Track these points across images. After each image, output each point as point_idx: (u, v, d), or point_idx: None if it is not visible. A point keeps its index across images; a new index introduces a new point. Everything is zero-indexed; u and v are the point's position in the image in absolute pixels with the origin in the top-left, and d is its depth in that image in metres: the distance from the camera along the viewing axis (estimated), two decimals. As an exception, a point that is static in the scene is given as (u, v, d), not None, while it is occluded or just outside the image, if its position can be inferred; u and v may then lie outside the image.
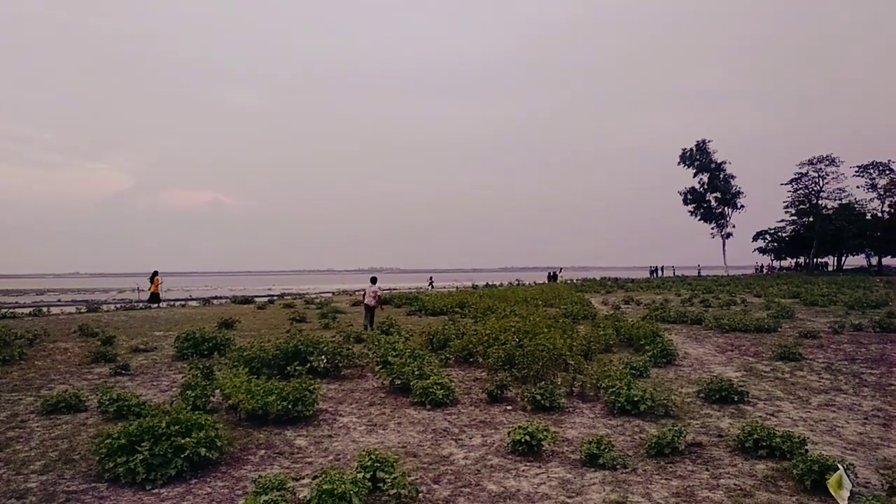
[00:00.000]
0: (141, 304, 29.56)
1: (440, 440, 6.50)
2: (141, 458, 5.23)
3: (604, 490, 5.01)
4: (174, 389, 8.69)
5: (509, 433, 6.16)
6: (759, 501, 4.76)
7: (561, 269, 70.47)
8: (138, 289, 47.65)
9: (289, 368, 8.66)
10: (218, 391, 7.74)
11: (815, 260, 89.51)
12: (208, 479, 5.32)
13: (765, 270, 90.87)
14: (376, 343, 10.63)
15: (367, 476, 4.87)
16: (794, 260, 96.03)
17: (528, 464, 5.71)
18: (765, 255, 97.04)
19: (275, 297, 34.84)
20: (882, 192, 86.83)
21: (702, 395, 8.23)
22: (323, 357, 9.74)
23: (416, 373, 8.54)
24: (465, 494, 4.96)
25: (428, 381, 8.08)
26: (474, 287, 42.59)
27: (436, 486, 5.14)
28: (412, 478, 5.23)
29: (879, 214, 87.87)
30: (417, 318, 19.73)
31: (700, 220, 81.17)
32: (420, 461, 5.80)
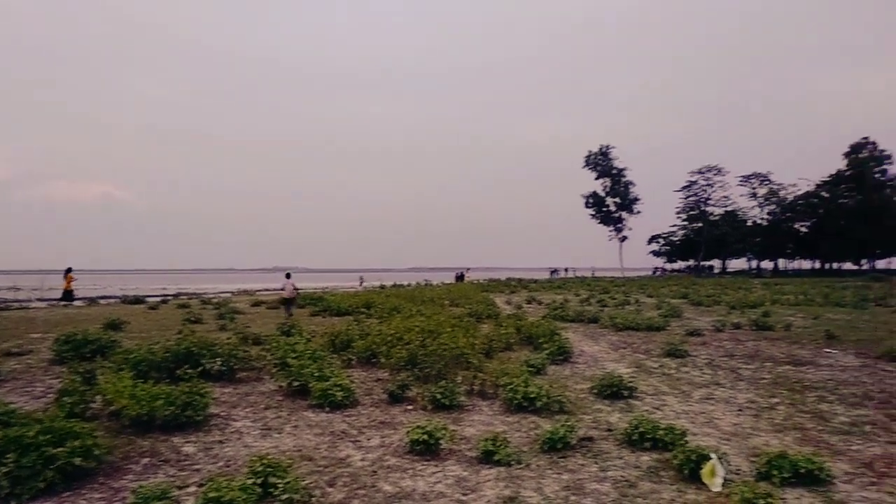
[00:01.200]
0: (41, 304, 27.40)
1: (338, 442, 6.39)
2: (6, 470, 4.79)
3: (498, 486, 5.10)
4: (50, 396, 8.05)
5: (408, 433, 6.15)
6: (642, 491, 5.00)
7: (468, 269, 71.54)
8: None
9: (178, 372, 8.24)
10: (99, 397, 7.23)
11: (702, 263, 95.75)
12: (83, 492, 4.96)
13: (658, 272, 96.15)
14: (275, 345, 10.31)
15: (258, 482, 4.71)
16: (685, 262, 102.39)
17: (426, 463, 5.72)
18: (658, 258, 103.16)
19: (169, 297, 33.12)
20: (762, 201, 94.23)
21: (594, 391, 8.58)
22: (217, 359, 9.34)
23: (316, 374, 8.36)
24: (360, 496, 4.90)
25: (327, 383, 7.93)
26: (382, 287, 42.37)
27: (330, 490, 5.05)
28: (306, 482, 5.11)
29: (759, 221, 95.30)
30: (321, 319, 19.37)
31: (600, 223, 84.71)
32: (316, 464, 5.67)
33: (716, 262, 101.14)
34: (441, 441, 6.00)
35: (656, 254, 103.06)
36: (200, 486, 4.95)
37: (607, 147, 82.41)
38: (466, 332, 11.72)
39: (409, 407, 7.91)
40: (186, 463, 5.71)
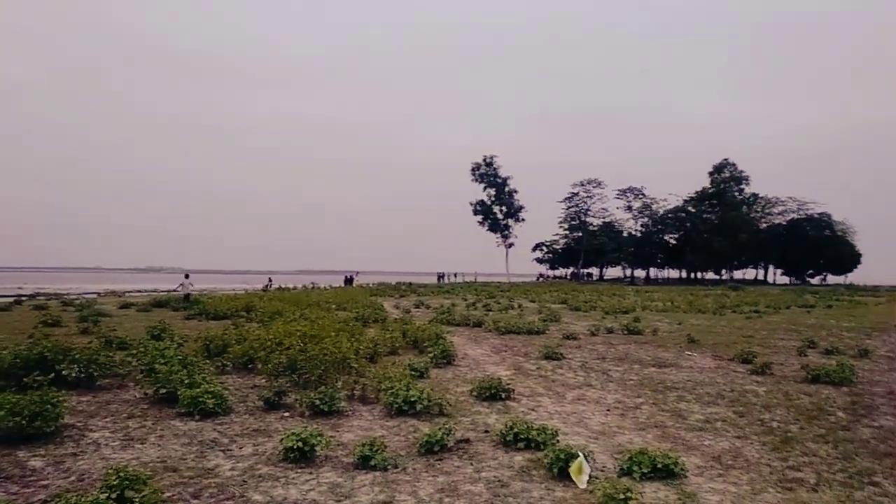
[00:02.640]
0: None
1: (206, 452, 6.06)
2: None
3: (373, 491, 5.05)
4: None
5: (281, 440, 5.95)
6: (513, 490, 5.13)
7: (357, 272, 70.82)
8: None
9: (26, 379, 7.49)
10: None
11: (582, 270, 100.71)
12: None
13: (541, 279, 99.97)
14: (142, 350, 9.64)
15: (113, 496, 4.36)
16: (566, 269, 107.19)
17: (300, 470, 5.55)
18: (542, 265, 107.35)
19: (24, 298, 30.15)
20: (636, 214, 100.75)
21: (474, 393, 8.73)
22: (75, 366, 8.60)
23: (186, 381, 7.90)
24: (227, 508, 4.67)
25: (198, 390, 7.51)
26: (265, 289, 40.94)
27: (195, 502, 4.78)
28: (168, 494, 4.81)
29: (634, 232, 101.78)
30: (196, 323, 18.38)
31: (488, 230, 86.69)
32: (181, 476, 5.35)
33: (594, 270, 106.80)
34: (317, 448, 5.85)
35: (540, 261, 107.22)
36: (46, 503, 4.52)
37: (492, 157, 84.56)
38: (351, 337, 11.57)
39: (286, 414, 7.67)
40: (32, 479, 5.19)
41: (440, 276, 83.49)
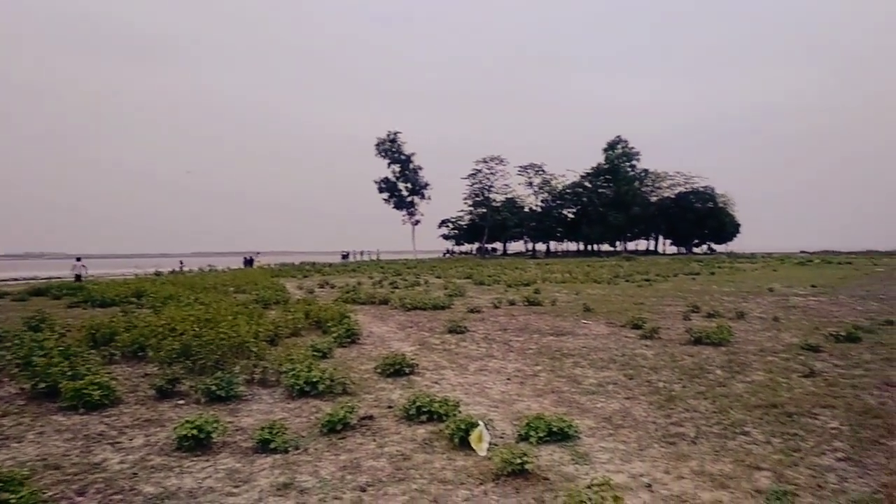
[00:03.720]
0: None
1: (93, 446, 5.72)
2: None
3: (273, 474, 4.96)
4: None
5: (175, 429, 5.71)
6: (415, 463, 5.20)
7: (258, 253, 68.63)
8: None
9: None
10: None
11: (486, 245, 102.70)
12: None
13: (447, 255, 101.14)
14: (17, 342, 8.91)
15: (-17, 501, 4.04)
16: (471, 245, 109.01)
17: (195, 459, 5.36)
18: (448, 241, 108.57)
19: None
20: (537, 190, 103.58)
21: (378, 370, 8.75)
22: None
23: (68, 373, 7.39)
24: (116, 502, 4.44)
25: (82, 382, 7.06)
26: (157, 273, 38.83)
27: (80, 499, 4.51)
28: (50, 493, 4.51)
29: (535, 208, 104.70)
30: (81, 311, 17.19)
31: (394, 207, 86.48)
32: (63, 473, 5.02)
33: (498, 245, 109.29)
34: (213, 434, 5.67)
35: (446, 237, 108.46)
36: None
37: (395, 134, 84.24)
38: (250, 320, 11.24)
39: (181, 402, 7.36)
40: None
41: (344, 255, 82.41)
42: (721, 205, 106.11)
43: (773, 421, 6.30)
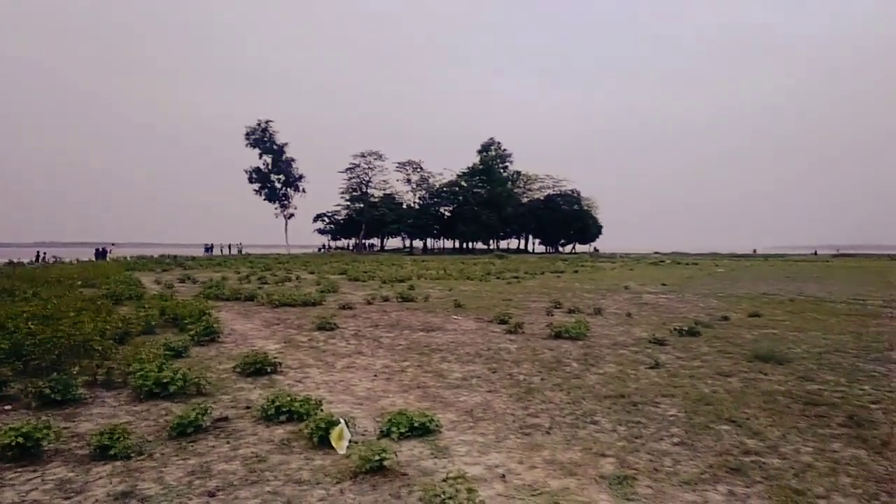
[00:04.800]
0: None
1: None
2: None
3: (111, 483, 4.57)
4: None
5: (-4, 438, 5.10)
6: (271, 464, 5.00)
7: (112, 245, 63.54)
8: None
9: None
10: None
11: (364, 241, 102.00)
12: None
13: (323, 250, 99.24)
14: None
15: None
16: (348, 240, 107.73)
17: (20, 470, 4.82)
18: (324, 236, 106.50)
19: None
20: (415, 187, 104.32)
21: (238, 369, 8.36)
22: None
23: None
24: (-88, 526, 3.88)
25: None
26: (12, 264, 34.76)
27: None
28: None
29: (412, 204, 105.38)
30: None
31: (265, 199, 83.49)
32: None
33: (376, 241, 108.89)
34: (43, 442, 5.13)
35: (322, 232, 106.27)
36: None
37: (267, 122, 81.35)
38: (97, 316, 10.33)
39: (8, 407, 6.61)
40: None
41: (208, 248, 78.15)
42: (586, 207, 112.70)
43: (620, 410, 6.72)
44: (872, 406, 6.87)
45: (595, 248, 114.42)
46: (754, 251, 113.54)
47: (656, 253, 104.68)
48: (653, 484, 4.69)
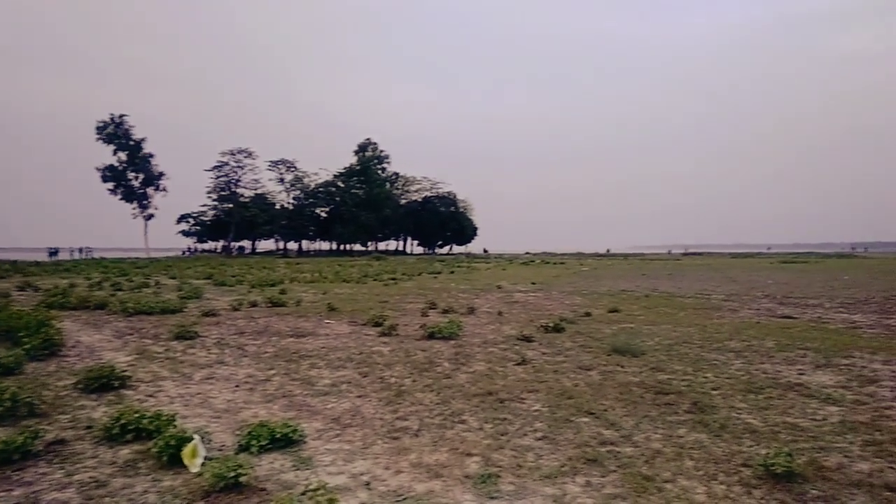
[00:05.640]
0: None
1: None
2: None
3: None
4: None
5: None
6: (112, 489, 4.54)
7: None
8: None
9: None
10: None
11: (233, 243, 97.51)
12: None
13: (188, 253, 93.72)
14: None
15: None
16: (217, 243, 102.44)
17: None
18: (189, 238, 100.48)
19: None
20: (289, 187, 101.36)
21: (80, 385, 7.57)
22: None
23: None
24: None
25: None
26: None
27: None
28: None
29: (286, 205, 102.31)
30: None
31: (121, 199, 77.63)
32: None
33: (247, 243, 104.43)
34: None
35: (187, 234, 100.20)
36: None
37: (121, 116, 75.67)
38: None
39: None
40: None
41: (52, 252, 71.03)
42: (462, 209, 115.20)
43: (487, 408, 6.82)
44: (713, 392, 7.47)
45: (485, 250, 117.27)
46: (608, 251, 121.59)
47: (527, 253, 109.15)
48: (516, 480, 4.77)
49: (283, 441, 5.48)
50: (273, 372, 8.77)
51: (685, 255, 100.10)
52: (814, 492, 4.49)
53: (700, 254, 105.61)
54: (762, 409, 6.75)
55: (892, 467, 4.95)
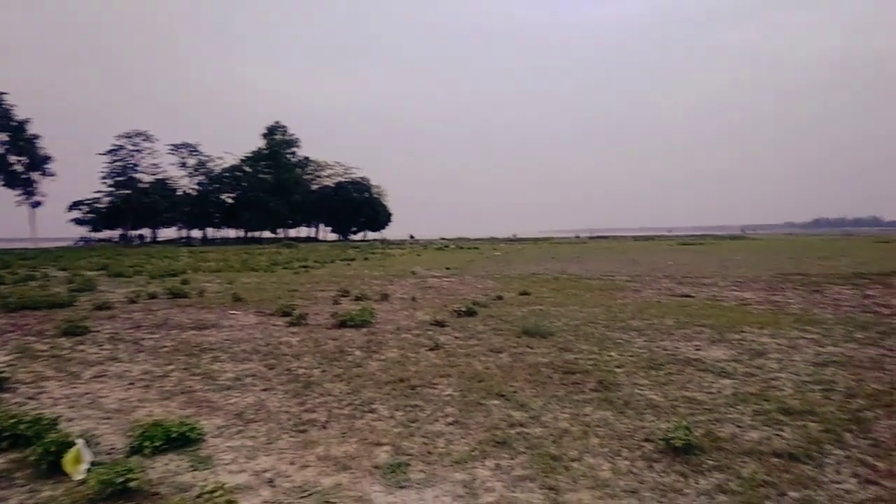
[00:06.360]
0: None
1: None
2: None
3: None
4: None
5: None
6: (-20, 506, 4.10)
7: None
8: None
9: None
10: None
11: (132, 232, 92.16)
12: None
13: (82, 243, 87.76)
14: None
15: None
16: (114, 232, 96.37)
17: None
18: (83, 227, 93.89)
19: None
20: (192, 171, 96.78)
21: (-53, 390, 6.85)
22: None
23: None
24: None
25: None
26: None
27: None
28: None
29: (189, 191, 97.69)
30: None
31: (3, 185, 71.61)
32: None
33: (147, 231, 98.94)
34: None
35: (80, 222, 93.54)
36: None
37: (1, 93, 69.52)
38: None
39: None
40: None
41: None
42: (376, 195, 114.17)
43: (399, 395, 6.72)
44: (618, 370, 7.72)
45: (411, 236, 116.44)
46: (514, 236, 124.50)
47: (442, 239, 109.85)
48: (426, 467, 4.69)
49: (180, 440, 5.14)
50: (171, 367, 8.27)
51: (592, 238, 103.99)
52: (710, 462, 4.69)
53: (606, 237, 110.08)
54: (663, 384, 7.02)
55: (778, 434, 5.27)
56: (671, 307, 13.55)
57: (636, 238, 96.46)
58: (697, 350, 8.90)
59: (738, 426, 5.51)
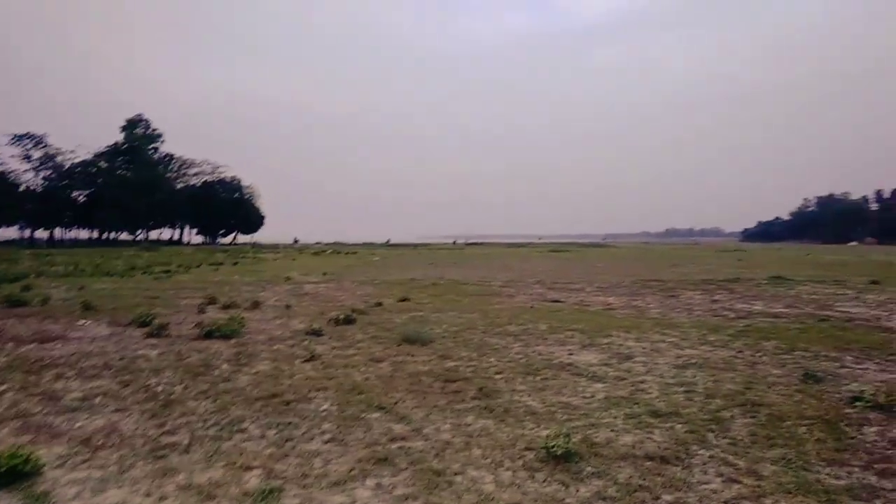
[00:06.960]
0: None
1: None
2: None
3: None
4: None
5: None
6: None
7: None
8: None
9: None
10: None
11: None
12: None
13: None
14: None
15: None
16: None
17: None
18: None
19: None
20: (37, 165, 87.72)
21: None
22: None
23: None
24: None
25: None
26: None
27: None
28: None
29: (34, 187, 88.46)
30: None
31: None
32: None
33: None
34: None
35: None
36: None
37: None
38: None
39: None
40: None
41: None
42: (247, 196, 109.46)
43: (271, 412, 6.29)
44: (497, 377, 7.76)
45: (295, 239, 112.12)
46: (388, 241, 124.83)
47: (318, 243, 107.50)
48: (301, 491, 4.37)
49: (10, 475, 4.44)
50: (5, 387, 7.24)
51: (468, 245, 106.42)
52: (588, 469, 4.76)
53: (481, 244, 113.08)
54: (540, 390, 7.14)
55: (649, 437, 5.48)
56: (544, 312, 13.99)
57: (509, 245, 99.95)
58: (570, 355, 9.19)
59: (613, 430, 5.67)
